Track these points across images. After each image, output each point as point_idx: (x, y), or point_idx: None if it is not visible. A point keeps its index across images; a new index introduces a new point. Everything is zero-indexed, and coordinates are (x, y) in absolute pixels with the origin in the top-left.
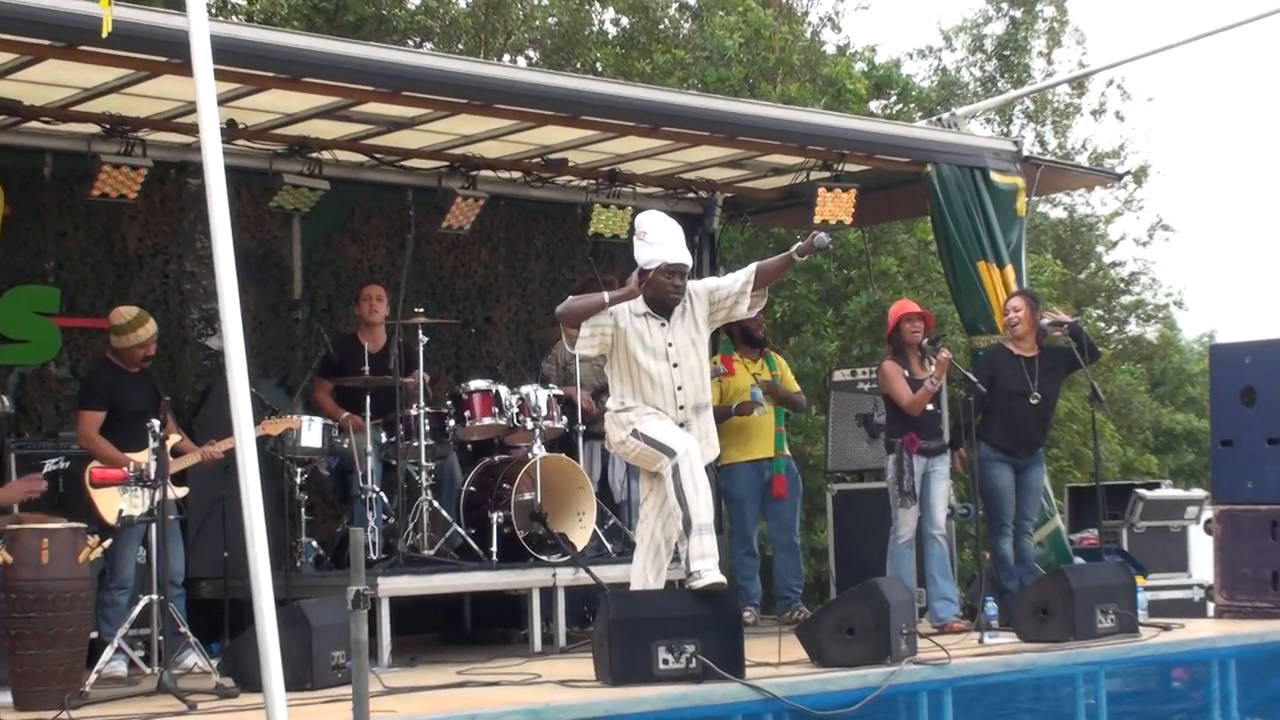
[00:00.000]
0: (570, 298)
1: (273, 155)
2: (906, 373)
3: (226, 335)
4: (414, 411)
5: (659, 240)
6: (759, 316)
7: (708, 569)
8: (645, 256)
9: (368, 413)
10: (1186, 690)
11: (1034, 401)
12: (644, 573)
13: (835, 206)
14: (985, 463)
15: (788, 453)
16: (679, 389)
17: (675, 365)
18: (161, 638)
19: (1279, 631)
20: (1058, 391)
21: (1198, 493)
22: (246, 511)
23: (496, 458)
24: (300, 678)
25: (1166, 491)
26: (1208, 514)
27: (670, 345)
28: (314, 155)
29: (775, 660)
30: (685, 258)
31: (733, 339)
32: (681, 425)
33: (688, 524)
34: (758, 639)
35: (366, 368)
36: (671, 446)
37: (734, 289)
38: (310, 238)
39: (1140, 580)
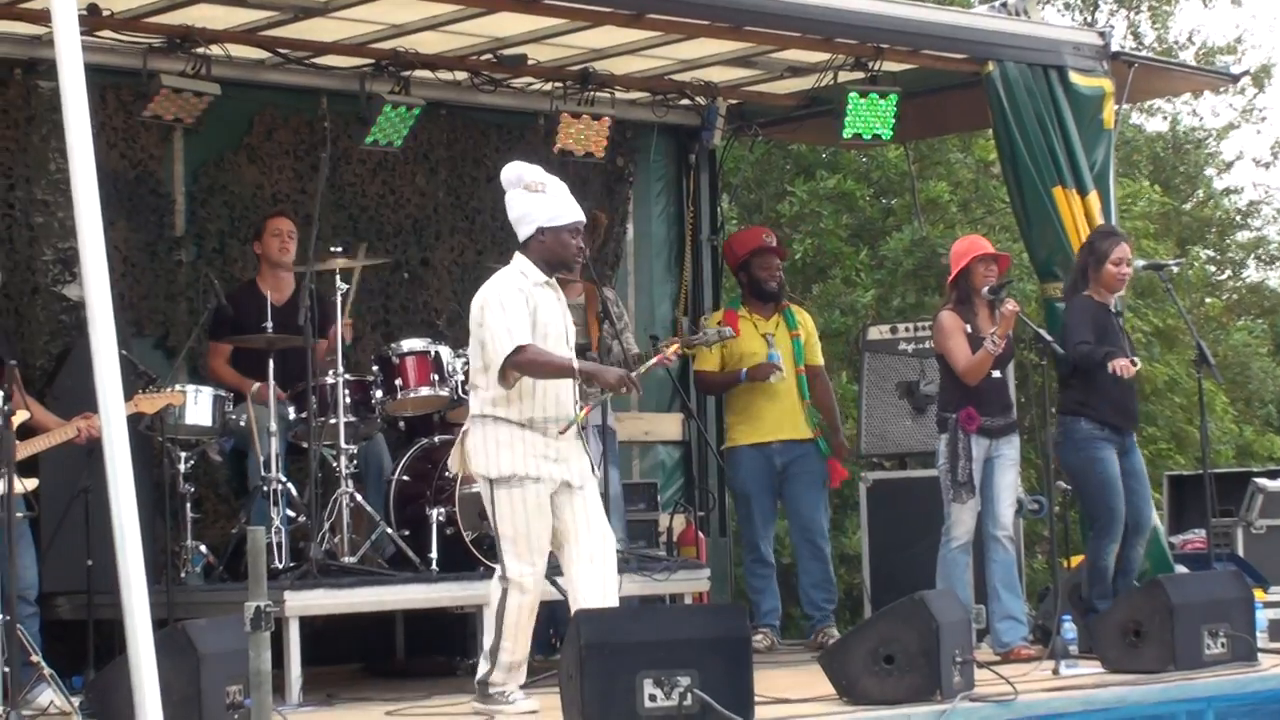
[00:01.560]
0: (528, 351)
1: (147, 50)
2: (969, 328)
3: (88, 282)
4: (330, 380)
5: (559, 193)
6: (773, 261)
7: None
8: (548, 213)
9: (271, 381)
10: None
11: (1136, 365)
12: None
13: (870, 117)
14: (1089, 445)
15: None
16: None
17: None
18: (8, 669)
19: None
20: None
21: None
22: (115, 509)
23: (436, 439)
24: (186, 719)
25: None
26: None
27: (570, 328)
28: (200, 50)
29: (794, 696)
30: (579, 214)
31: (741, 290)
32: (584, 430)
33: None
34: (774, 669)
35: (269, 324)
36: (515, 564)
37: None
38: (196, 158)
39: (1260, 594)
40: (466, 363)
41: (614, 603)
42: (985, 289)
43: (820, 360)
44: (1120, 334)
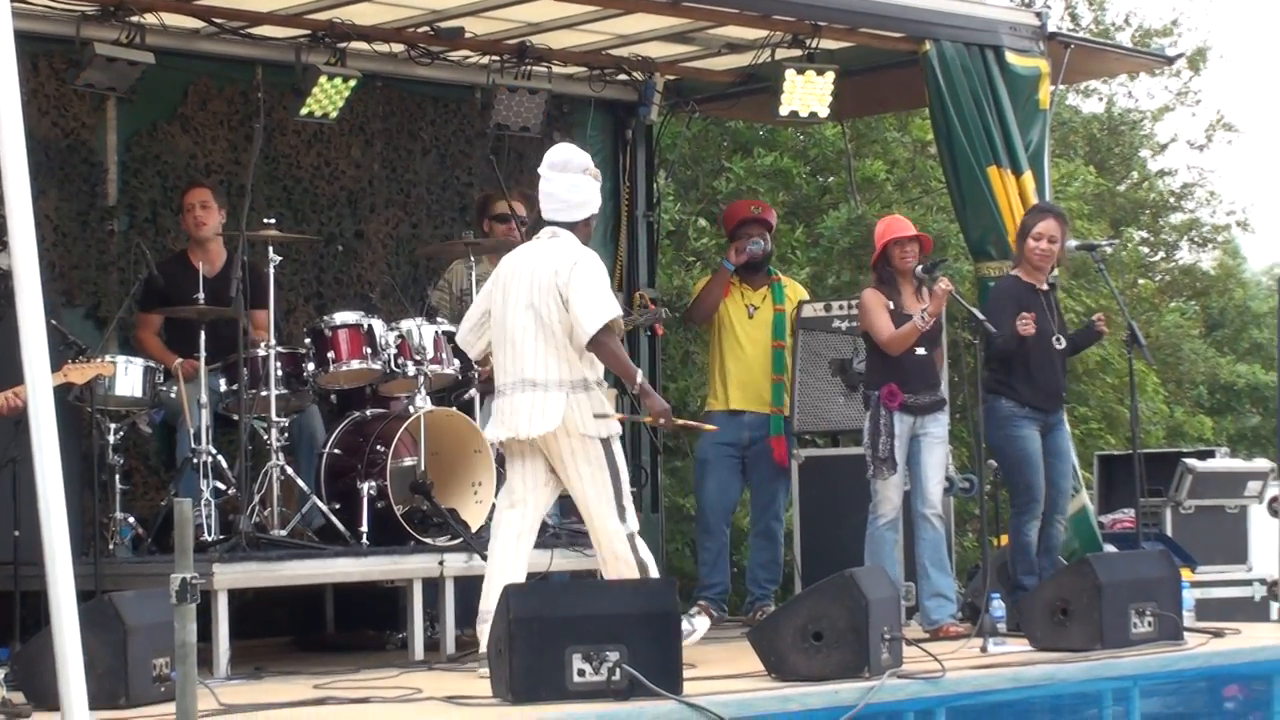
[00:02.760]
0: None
1: (80, 18)
2: (892, 305)
3: (15, 251)
4: (262, 352)
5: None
6: (758, 232)
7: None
8: (598, 202)
9: (202, 353)
10: (1242, 712)
11: (1058, 345)
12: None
13: (807, 94)
14: (1009, 423)
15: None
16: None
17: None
18: None
19: None
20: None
21: (1262, 464)
22: (40, 479)
23: (368, 412)
24: (112, 692)
25: (1222, 462)
26: (1274, 490)
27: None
28: (134, 19)
29: (725, 672)
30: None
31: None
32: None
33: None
34: (705, 645)
35: (201, 295)
36: (633, 516)
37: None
38: (129, 127)
39: (1187, 574)
40: (401, 336)
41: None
42: (919, 268)
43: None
44: (1049, 312)
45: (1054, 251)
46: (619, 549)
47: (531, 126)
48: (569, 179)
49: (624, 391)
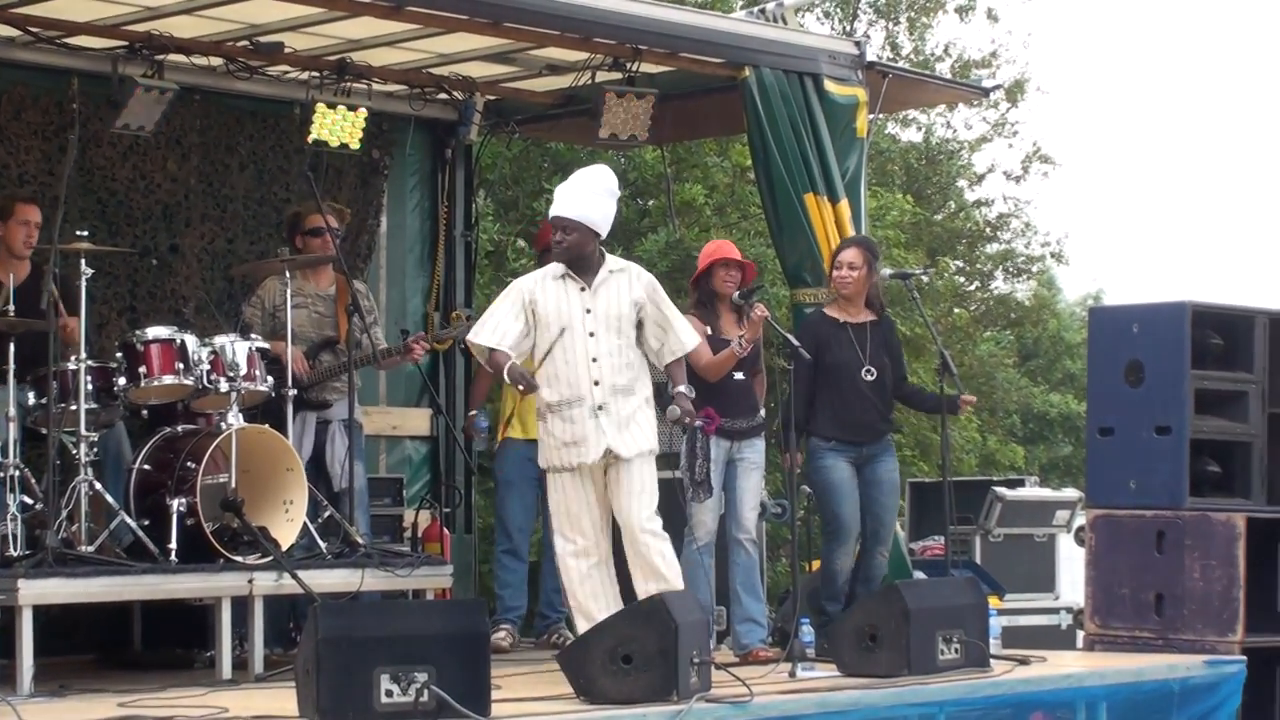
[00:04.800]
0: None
1: None
2: (710, 330)
3: None
4: (72, 365)
5: None
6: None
7: None
8: None
9: (11, 365)
10: None
11: (868, 377)
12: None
13: (627, 117)
14: (815, 454)
15: None
16: (593, 361)
17: (592, 334)
18: None
19: (1161, 668)
20: (898, 364)
21: (1070, 493)
22: None
23: (179, 428)
24: None
25: (1031, 491)
26: (1081, 520)
27: (589, 312)
28: None
29: (532, 695)
30: (560, 209)
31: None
32: (599, 409)
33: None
34: (516, 666)
35: (11, 306)
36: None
37: (657, 327)
38: None
39: (994, 601)
40: (214, 352)
41: None
42: (736, 294)
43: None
44: (856, 345)
45: (854, 278)
46: None
47: (349, 144)
48: (611, 204)
49: None
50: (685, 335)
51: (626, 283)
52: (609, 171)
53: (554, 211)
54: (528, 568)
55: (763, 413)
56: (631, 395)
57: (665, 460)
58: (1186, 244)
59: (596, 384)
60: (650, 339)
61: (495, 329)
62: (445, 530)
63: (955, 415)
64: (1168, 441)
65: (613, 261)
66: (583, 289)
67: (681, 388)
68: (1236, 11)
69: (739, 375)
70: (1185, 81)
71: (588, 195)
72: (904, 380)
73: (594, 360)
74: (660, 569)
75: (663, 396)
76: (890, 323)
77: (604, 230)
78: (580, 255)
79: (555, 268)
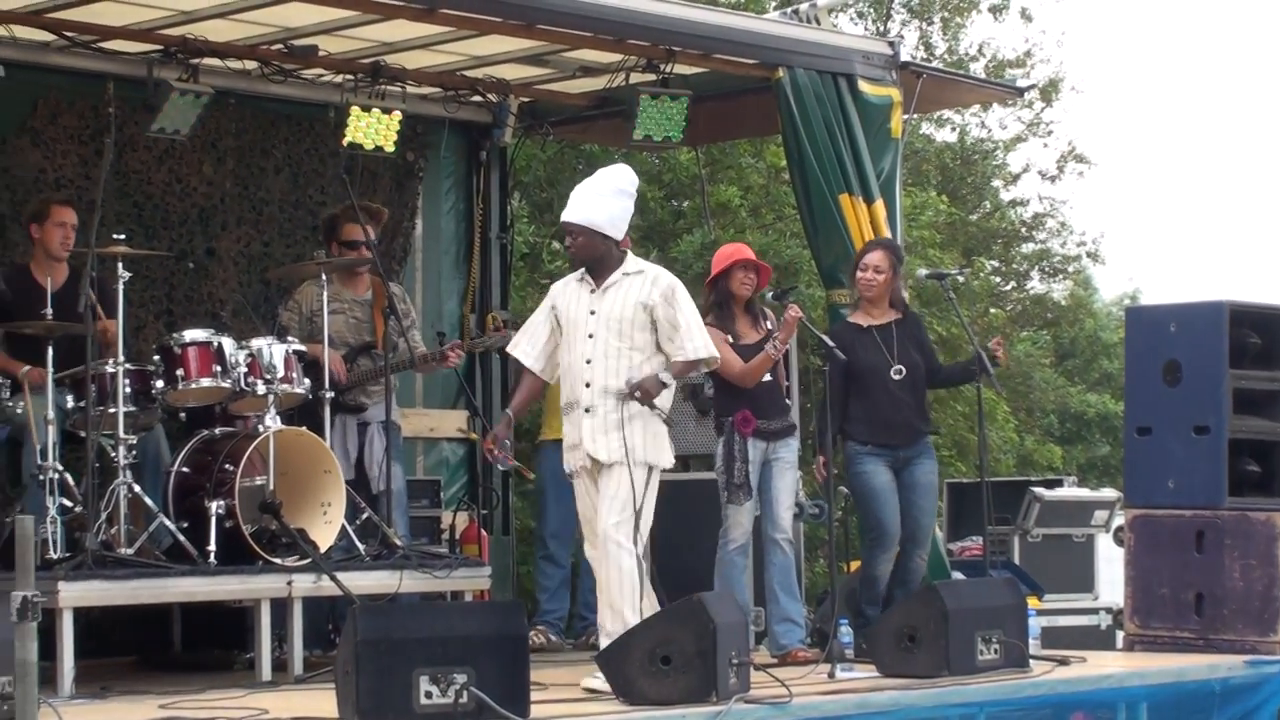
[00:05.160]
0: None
1: None
2: (729, 337)
3: None
4: (110, 368)
5: None
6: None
7: None
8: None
9: (50, 368)
10: None
11: (897, 376)
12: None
13: (661, 119)
14: (854, 459)
15: None
16: (587, 362)
17: (590, 335)
18: None
19: (1201, 668)
20: (929, 357)
21: (1109, 493)
22: None
23: (217, 431)
24: None
25: (1069, 491)
26: (1120, 520)
27: (593, 313)
28: None
29: (573, 696)
30: (566, 214)
31: None
32: (587, 411)
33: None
34: (556, 669)
35: (49, 310)
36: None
37: (669, 327)
38: None
39: (1033, 602)
40: (251, 355)
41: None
42: (770, 294)
43: None
44: (884, 347)
45: (879, 281)
46: None
47: (384, 147)
48: (629, 203)
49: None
50: (692, 342)
51: (639, 285)
52: (623, 170)
53: (562, 216)
54: (567, 572)
55: (796, 413)
56: (629, 401)
57: (703, 462)
58: (1224, 243)
59: (588, 386)
60: (661, 340)
61: (530, 338)
62: (483, 532)
63: (995, 368)
64: (1206, 441)
65: (632, 264)
66: (593, 290)
67: (662, 374)
68: (1272, 9)
69: (767, 376)
70: (1221, 79)
71: (593, 198)
72: (937, 371)
73: (588, 362)
74: (610, 580)
75: (700, 398)
76: (915, 318)
77: (613, 231)
78: (591, 258)
79: (581, 270)
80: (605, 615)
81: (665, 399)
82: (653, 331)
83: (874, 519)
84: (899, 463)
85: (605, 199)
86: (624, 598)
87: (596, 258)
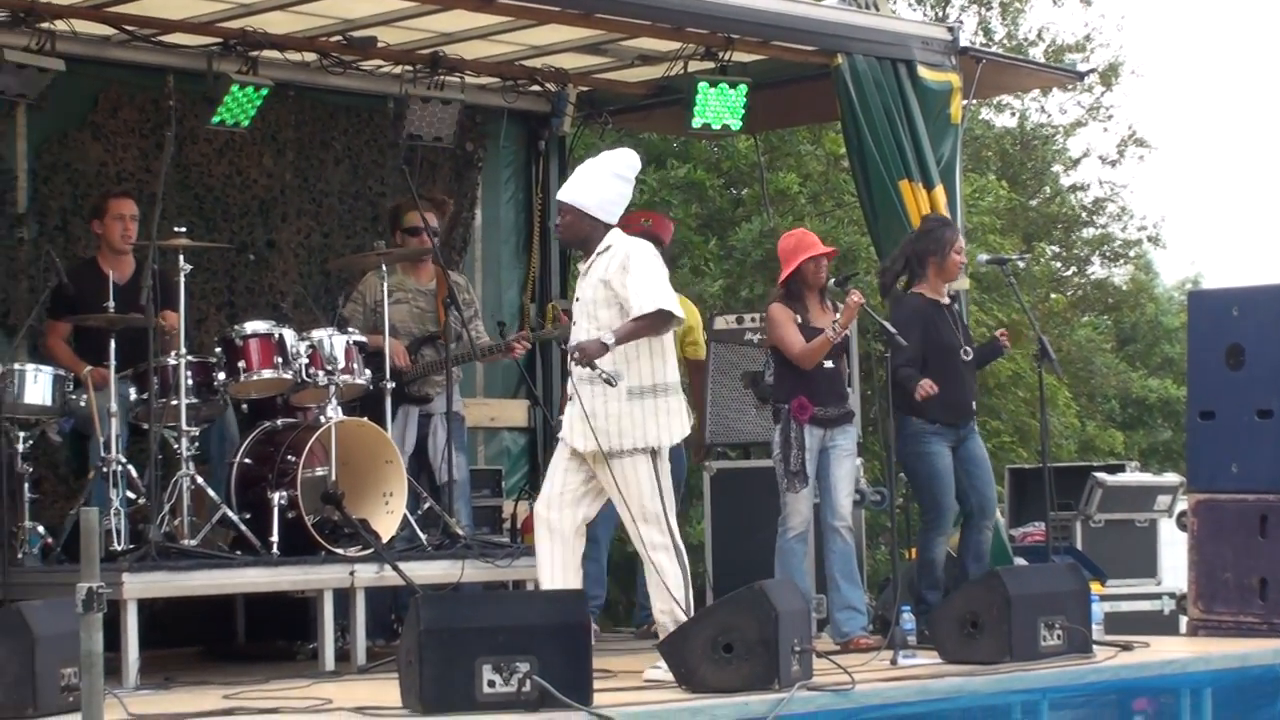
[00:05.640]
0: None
1: None
2: (799, 319)
3: None
4: (172, 361)
5: None
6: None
7: None
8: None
9: (112, 361)
10: None
11: (966, 358)
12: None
13: (720, 107)
14: (917, 440)
15: None
16: (571, 348)
17: (575, 322)
18: None
19: (1266, 653)
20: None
21: (1171, 478)
22: None
23: (279, 422)
24: (19, 701)
25: (1132, 476)
26: (1183, 505)
27: (578, 299)
28: (44, 25)
29: (635, 684)
30: (560, 193)
31: None
32: (569, 398)
33: None
34: (614, 657)
35: (111, 303)
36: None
37: (624, 290)
38: (39, 134)
39: (1096, 587)
40: (312, 346)
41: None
42: (831, 280)
43: (701, 354)
44: (954, 327)
45: (963, 263)
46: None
47: (444, 137)
48: (628, 188)
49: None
50: (637, 299)
51: (603, 263)
52: (625, 153)
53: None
54: (605, 560)
55: (856, 399)
56: (600, 386)
57: (762, 450)
58: None
59: (569, 372)
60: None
61: None
62: None
63: (1000, 357)
64: (1270, 425)
65: (605, 242)
66: (582, 275)
67: (604, 335)
68: None
69: (829, 363)
70: None
71: (586, 179)
72: None
73: (571, 347)
74: (655, 582)
75: (760, 385)
76: (957, 298)
77: (602, 214)
78: (575, 239)
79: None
80: (659, 613)
81: (608, 361)
82: (619, 307)
83: (934, 500)
84: (957, 440)
85: (599, 181)
86: (677, 591)
87: (581, 239)
